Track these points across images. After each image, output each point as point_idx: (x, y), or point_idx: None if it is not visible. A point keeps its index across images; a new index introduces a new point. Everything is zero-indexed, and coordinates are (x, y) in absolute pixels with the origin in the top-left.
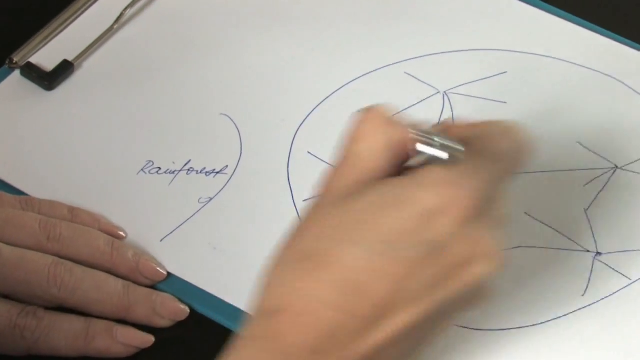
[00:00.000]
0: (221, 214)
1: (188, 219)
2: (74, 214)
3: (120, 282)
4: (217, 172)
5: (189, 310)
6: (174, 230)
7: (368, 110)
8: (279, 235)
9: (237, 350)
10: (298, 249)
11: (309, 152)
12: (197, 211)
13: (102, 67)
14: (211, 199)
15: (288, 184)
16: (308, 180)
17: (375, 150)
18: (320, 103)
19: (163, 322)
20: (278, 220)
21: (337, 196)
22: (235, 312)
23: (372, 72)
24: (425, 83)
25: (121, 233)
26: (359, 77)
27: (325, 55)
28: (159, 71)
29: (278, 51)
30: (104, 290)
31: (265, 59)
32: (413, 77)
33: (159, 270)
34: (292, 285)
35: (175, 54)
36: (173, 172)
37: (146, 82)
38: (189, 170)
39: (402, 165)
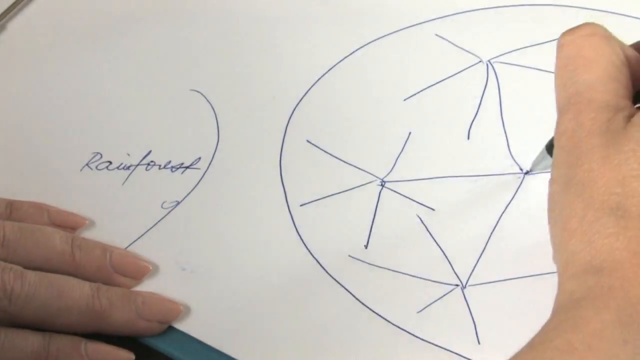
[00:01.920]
0: (192, 222)
1: (148, 230)
2: (13, 208)
3: (86, 283)
4: (187, 167)
5: (182, 308)
6: (129, 245)
7: (580, 29)
8: (269, 250)
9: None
10: (600, 200)
11: (308, 141)
12: (160, 219)
13: (33, 30)
14: (178, 203)
15: (280, 182)
16: (307, 177)
17: (606, 79)
18: (323, 75)
19: (151, 327)
20: (267, 230)
21: (596, 138)
22: (211, 356)
23: (391, 33)
24: (462, 49)
25: (81, 220)
26: (373, 41)
27: (329, 11)
28: (107, 35)
29: (268, 6)
30: (67, 296)
31: (250, 16)
32: (446, 40)
33: (140, 263)
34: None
35: (130, 12)
36: (128, 168)
37: (91, 48)
38: (149, 164)
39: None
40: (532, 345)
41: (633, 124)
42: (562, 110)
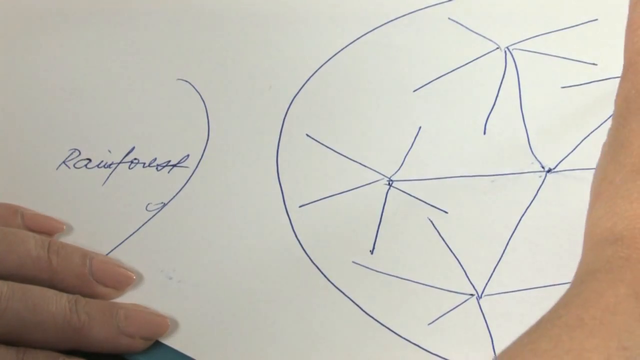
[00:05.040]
0: (179, 226)
1: (131, 235)
2: None
3: (64, 296)
4: (174, 165)
5: (168, 322)
6: (110, 252)
7: None
8: (264, 256)
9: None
10: (631, 163)
11: (308, 135)
12: (145, 223)
13: (3, 16)
14: (165, 205)
15: (277, 181)
16: (306, 175)
17: None
18: (325, 63)
19: (134, 343)
20: (262, 235)
21: None
22: None
23: (399, 17)
24: (477, 34)
25: (58, 224)
26: (380, 26)
27: None
28: (84, 19)
29: None
30: (42, 309)
31: None
32: (460, 25)
33: (123, 271)
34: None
35: None
36: (109, 166)
37: (65, 34)
38: (132, 162)
39: None
40: (539, 323)
41: None
42: (623, 71)
